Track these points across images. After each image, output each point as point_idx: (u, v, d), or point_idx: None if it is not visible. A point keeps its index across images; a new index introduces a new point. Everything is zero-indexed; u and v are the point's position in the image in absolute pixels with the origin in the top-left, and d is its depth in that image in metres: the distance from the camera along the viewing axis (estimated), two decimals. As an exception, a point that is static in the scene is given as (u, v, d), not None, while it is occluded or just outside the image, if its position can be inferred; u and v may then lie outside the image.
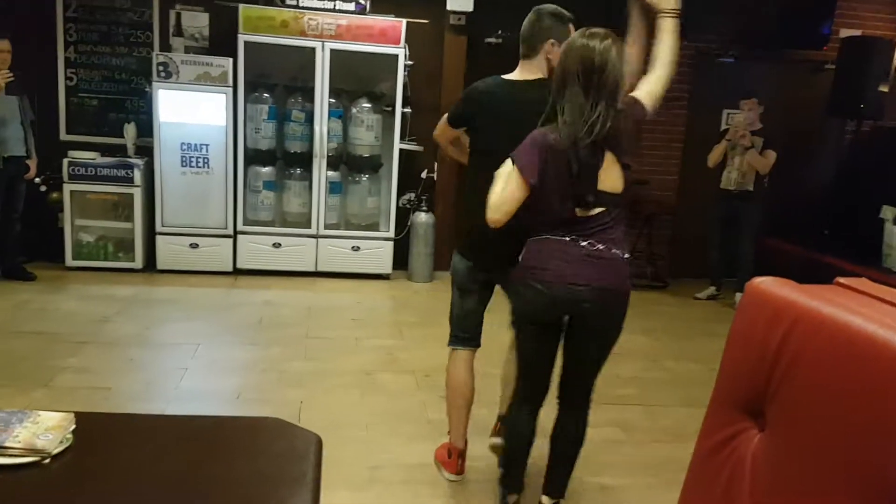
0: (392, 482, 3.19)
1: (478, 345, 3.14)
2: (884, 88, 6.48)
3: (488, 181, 2.52)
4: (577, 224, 2.47)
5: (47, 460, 1.40)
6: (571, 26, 2.79)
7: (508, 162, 2.47)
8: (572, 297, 2.49)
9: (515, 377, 2.80)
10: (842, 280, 1.28)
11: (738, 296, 1.53)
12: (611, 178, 2.46)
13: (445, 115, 3.07)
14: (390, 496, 3.10)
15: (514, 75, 2.89)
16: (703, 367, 4.84)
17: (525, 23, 2.86)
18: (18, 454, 1.38)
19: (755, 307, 1.28)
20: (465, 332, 3.11)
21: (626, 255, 2.55)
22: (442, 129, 3.11)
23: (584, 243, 2.47)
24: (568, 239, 2.48)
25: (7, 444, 1.39)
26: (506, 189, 2.45)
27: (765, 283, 1.29)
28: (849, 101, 6.59)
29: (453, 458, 3.24)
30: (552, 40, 2.78)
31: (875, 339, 1.05)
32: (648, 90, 2.59)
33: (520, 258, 2.60)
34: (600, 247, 2.48)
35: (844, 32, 7.03)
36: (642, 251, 7.16)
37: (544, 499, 2.86)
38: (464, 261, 3.02)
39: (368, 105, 6.46)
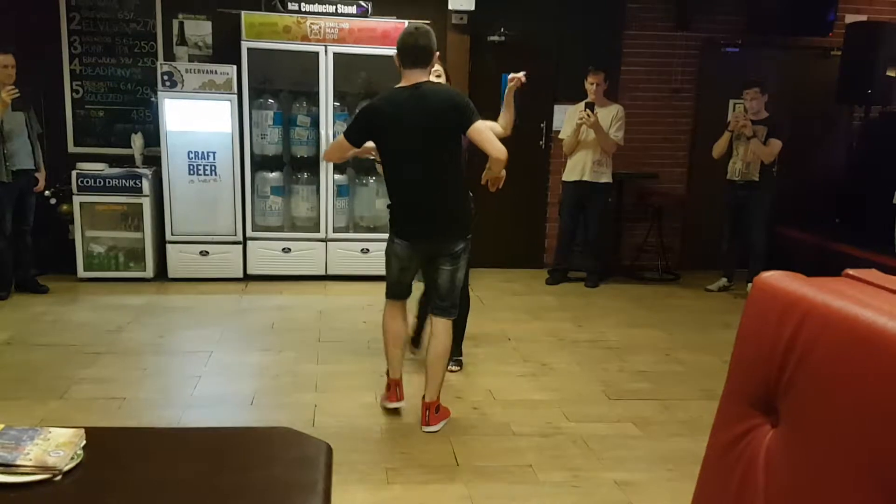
0: (409, 482, 3.19)
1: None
2: (891, 73, 6.43)
3: None
4: None
5: (58, 477, 1.40)
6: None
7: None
8: None
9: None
10: (851, 272, 1.26)
11: (751, 286, 1.55)
12: None
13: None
14: (408, 496, 3.09)
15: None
16: (717, 359, 4.81)
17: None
18: (30, 472, 1.39)
19: (764, 302, 1.26)
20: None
21: None
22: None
23: None
24: None
25: (18, 462, 1.39)
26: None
27: (773, 278, 1.27)
28: (856, 86, 6.54)
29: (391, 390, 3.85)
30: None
31: (885, 330, 1.04)
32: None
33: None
34: None
35: (850, 18, 6.98)
36: (653, 244, 7.13)
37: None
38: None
39: (373, 107, 6.45)
